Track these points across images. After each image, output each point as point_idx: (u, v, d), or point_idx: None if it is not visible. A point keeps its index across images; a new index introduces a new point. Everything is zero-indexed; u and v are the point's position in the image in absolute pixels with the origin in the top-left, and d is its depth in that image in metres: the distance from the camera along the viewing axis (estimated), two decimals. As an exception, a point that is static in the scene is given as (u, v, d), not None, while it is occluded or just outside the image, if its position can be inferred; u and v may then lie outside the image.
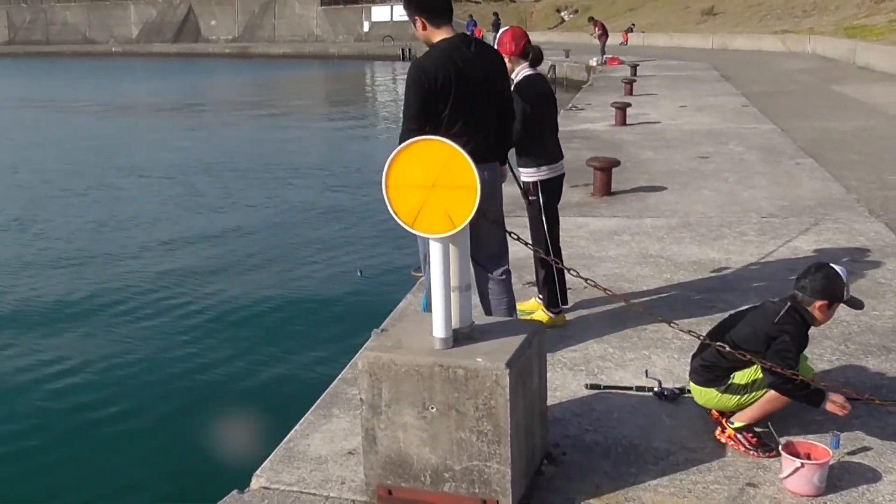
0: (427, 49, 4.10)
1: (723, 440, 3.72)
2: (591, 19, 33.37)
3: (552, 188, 5.20)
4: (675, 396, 4.14)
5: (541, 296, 5.28)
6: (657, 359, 4.65)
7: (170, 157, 18.46)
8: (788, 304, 3.68)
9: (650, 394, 4.18)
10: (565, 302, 5.27)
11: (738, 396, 3.68)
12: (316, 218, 12.25)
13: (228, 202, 13.65)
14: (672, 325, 3.85)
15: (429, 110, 3.95)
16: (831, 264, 3.73)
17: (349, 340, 6.02)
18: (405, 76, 4.03)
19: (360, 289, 8.85)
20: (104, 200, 13.98)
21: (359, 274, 8.88)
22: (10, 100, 33.69)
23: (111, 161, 18.03)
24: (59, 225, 12.32)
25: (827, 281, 3.64)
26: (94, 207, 13.43)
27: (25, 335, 7.94)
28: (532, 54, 5.11)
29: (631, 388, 4.25)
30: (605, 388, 4.28)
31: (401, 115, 4.04)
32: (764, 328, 3.64)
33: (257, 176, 15.76)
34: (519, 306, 5.01)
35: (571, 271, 3.89)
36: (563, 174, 5.31)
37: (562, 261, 5.04)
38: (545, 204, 5.15)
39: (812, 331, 3.77)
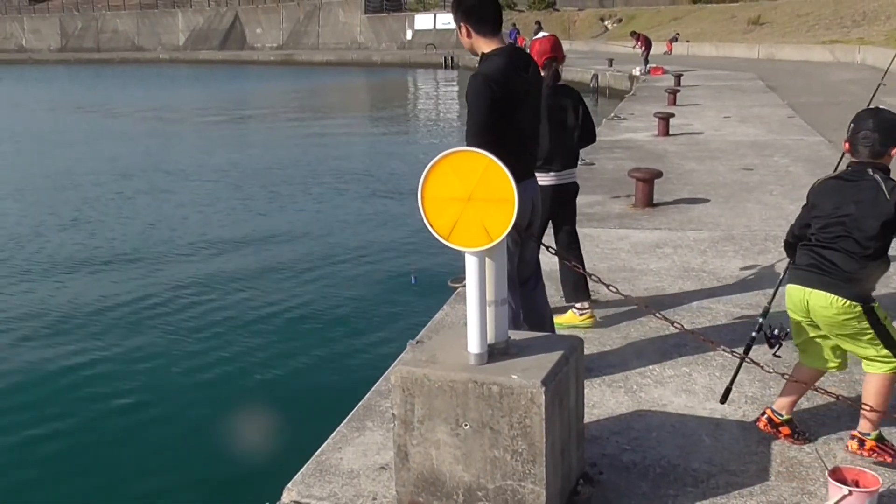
0: (479, 58, 4.01)
1: (864, 454, 3.53)
2: (633, 33, 32.97)
3: (553, 196, 5.25)
4: (779, 338, 3.93)
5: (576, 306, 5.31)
6: (698, 376, 4.54)
7: (216, 161, 18.78)
8: (871, 171, 3.39)
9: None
10: (579, 298, 5.35)
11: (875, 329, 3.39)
12: (354, 226, 12.28)
13: (270, 207, 13.78)
14: (717, 345, 3.75)
15: (496, 121, 3.83)
16: (879, 107, 3.52)
17: (385, 351, 6.00)
18: (466, 87, 3.89)
19: (396, 298, 8.82)
20: (153, 204, 14.28)
21: (413, 281, 8.78)
22: (63, 105, 34.45)
23: (160, 165, 18.42)
24: (108, 226, 12.64)
25: (892, 123, 3.42)
26: (143, 210, 13.74)
27: (62, 333, 8.10)
28: (550, 71, 5.22)
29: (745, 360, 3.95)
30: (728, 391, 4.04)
31: (464, 126, 3.87)
32: (889, 210, 3.33)
33: (300, 182, 15.88)
34: (556, 319, 4.97)
35: (595, 277, 3.81)
36: (570, 185, 5.40)
37: (581, 260, 5.36)
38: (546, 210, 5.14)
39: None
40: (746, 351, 3.92)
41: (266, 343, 7.72)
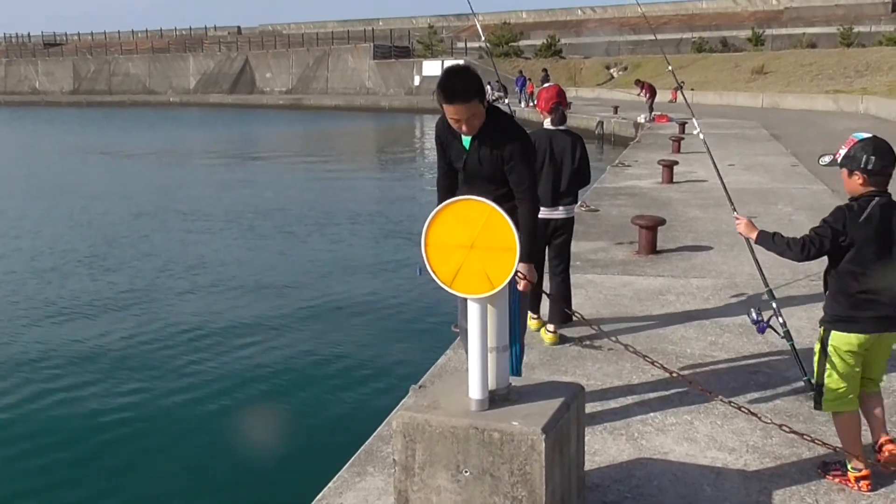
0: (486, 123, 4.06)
1: None
2: (637, 81, 33.26)
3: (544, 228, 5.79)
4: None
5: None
6: (700, 424, 4.54)
7: (227, 203, 19.02)
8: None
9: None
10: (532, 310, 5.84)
11: None
12: (357, 269, 12.34)
13: (277, 250, 13.89)
14: (715, 395, 3.76)
15: None
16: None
17: (387, 395, 6.00)
18: (517, 146, 4.01)
19: (399, 343, 8.84)
20: (166, 244, 14.46)
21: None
22: (76, 146, 34.83)
23: (172, 205, 18.66)
24: (124, 263, 12.85)
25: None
26: (157, 250, 13.92)
27: (73, 365, 8.22)
28: (556, 115, 5.88)
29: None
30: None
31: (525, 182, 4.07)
32: None
33: (306, 225, 15.99)
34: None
35: (584, 319, 3.85)
36: (560, 220, 5.87)
37: (567, 287, 6.05)
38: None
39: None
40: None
41: (268, 386, 7.71)
